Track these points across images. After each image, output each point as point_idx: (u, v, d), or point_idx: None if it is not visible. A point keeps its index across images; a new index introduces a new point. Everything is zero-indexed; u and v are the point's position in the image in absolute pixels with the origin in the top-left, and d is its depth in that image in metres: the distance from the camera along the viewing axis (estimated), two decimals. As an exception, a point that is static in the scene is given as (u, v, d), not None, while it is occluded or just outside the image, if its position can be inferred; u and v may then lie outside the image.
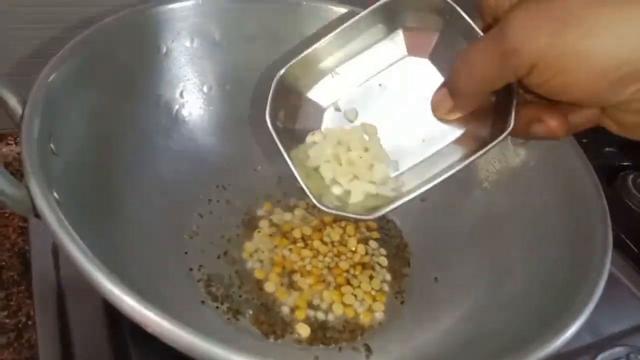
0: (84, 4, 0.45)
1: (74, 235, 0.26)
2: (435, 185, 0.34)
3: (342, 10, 0.47)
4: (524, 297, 0.36)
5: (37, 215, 0.27)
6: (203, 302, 0.38)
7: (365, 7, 0.36)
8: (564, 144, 0.41)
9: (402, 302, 0.42)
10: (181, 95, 0.45)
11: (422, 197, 0.46)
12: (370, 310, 0.40)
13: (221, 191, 0.46)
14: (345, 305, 0.40)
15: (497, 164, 0.45)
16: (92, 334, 0.37)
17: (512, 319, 0.35)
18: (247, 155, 0.48)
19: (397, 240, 0.46)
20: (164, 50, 0.44)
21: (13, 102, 0.32)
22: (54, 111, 0.33)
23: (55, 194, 0.30)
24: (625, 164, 0.60)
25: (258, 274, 0.40)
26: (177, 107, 0.45)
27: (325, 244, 0.44)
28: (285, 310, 0.39)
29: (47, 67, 0.34)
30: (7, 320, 0.39)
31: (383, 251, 0.45)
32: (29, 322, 0.39)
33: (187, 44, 0.45)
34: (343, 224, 0.46)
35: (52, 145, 0.32)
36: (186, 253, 0.41)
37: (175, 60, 0.45)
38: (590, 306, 0.30)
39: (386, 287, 0.42)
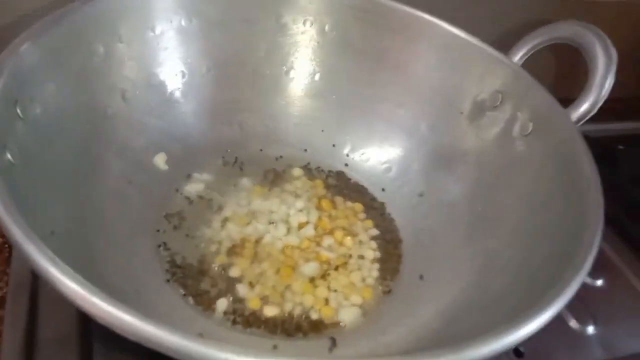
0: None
1: (5, 194, 0.25)
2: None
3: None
4: (504, 296, 0.32)
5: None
6: (168, 280, 0.37)
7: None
8: (570, 137, 0.38)
9: (382, 298, 0.39)
10: (176, 76, 0.45)
11: (421, 192, 0.45)
12: (344, 304, 0.38)
13: (205, 174, 0.45)
14: (316, 297, 0.38)
15: (499, 157, 0.41)
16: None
17: (490, 319, 0.31)
18: (244, 137, 0.47)
19: (391, 235, 0.44)
20: (159, 30, 0.43)
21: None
22: (24, 78, 0.33)
23: (8, 155, 0.30)
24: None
25: (219, 258, 0.39)
26: (171, 88, 0.45)
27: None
28: (249, 296, 0.37)
29: (24, 34, 0.34)
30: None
31: (373, 245, 0.43)
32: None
33: (184, 23, 0.44)
34: (334, 213, 0.44)
35: (18, 110, 0.32)
36: (158, 231, 0.40)
37: (171, 41, 0.44)
38: (568, 294, 0.27)
39: (370, 282, 0.40)
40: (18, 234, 0.24)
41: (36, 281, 0.37)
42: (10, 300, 0.37)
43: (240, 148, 0.47)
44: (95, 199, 0.37)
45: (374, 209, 0.45)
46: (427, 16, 0.45)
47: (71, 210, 0.34)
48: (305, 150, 0.48)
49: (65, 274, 0.23)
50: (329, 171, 0.48)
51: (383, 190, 0.47)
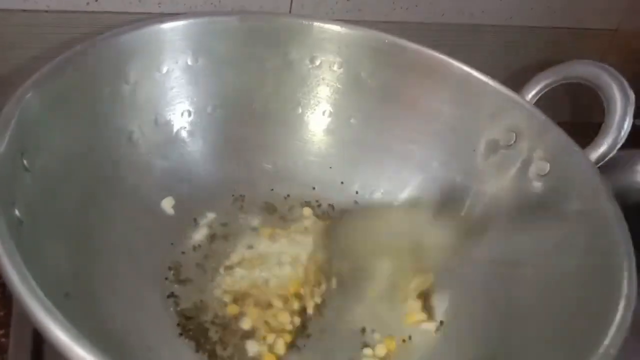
0: (72, 25, 0.45)
1: (15, 254, 0.24)
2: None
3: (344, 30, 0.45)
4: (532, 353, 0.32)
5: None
6: (180, 334, 0.35)
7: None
8: (590, 179, 0.37)
9: (402, 346, 0.38)
10: (182, 115, 0.44)
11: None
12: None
13: (213, 215, 0.43)
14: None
15: (514, 198, 0.41)
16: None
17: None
18: (251, 176, 0.46)
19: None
20: (165, 69, 0.42)
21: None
22: (30, 128, 0.32)
23: (16, 212, 0.28)
24: None
25: (231, 308, 0.37)
26: (177, 127, 0.44)
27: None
28: (261, 351, 0.36)
29: (27, 83, 0.33)
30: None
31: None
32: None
33: (190, 62, 0.43)
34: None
35: (24, 162, 0.31)
36: (166, 279, 0.38)
37: (177, 80, 0.43)
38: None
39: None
40: (38, 310, 0.22)
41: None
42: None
43: (248, 187, 0.46)
44: (102, 251, 0.35)
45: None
46: (438, 54, 0.44)
47: (79, 266, 0.33)
48: (314, 188, 0.47)
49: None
50: (340, 209, 0.47)
51: (395, 228, 0.46)
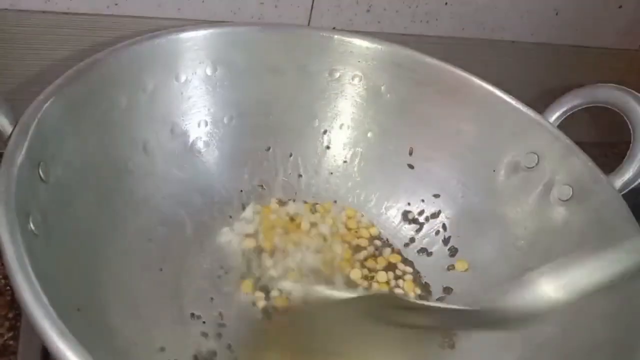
0: (91, 27, 0.44)
1: (29, 273, 0.24)
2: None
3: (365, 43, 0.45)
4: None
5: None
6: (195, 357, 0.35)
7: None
8: (613, 206, 0.36)
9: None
10: (199, 125, 0.43)
11: (451, 252, 0.44)
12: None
13: (226, 228, 0.43)
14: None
15: (534, 222, 0.40)
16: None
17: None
18: (265, 189, 0.46)
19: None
20: (183, 79, 0.42)
21: (4, 123, 0.30)
22: (47, 136, 0.31)
23: (31, 226, 0.28)
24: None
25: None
26: (193, 137, 0.43)
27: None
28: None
29: (47, 90, 0.32)
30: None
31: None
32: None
33: (209, 72, 0.43)
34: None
35: (40, 172, 0.30)
36: (178, 293, 0.37)
37: (195, 89, 0.43)
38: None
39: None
40: (51, 332, 0.22)
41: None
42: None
43: (262, 199, 0.45)
44: (114, 263, 0.35)
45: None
46: (460, 71, 0.44)
47: (91, 279, 0.32)
48: (335, 201, 0.47)
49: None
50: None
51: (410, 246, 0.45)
